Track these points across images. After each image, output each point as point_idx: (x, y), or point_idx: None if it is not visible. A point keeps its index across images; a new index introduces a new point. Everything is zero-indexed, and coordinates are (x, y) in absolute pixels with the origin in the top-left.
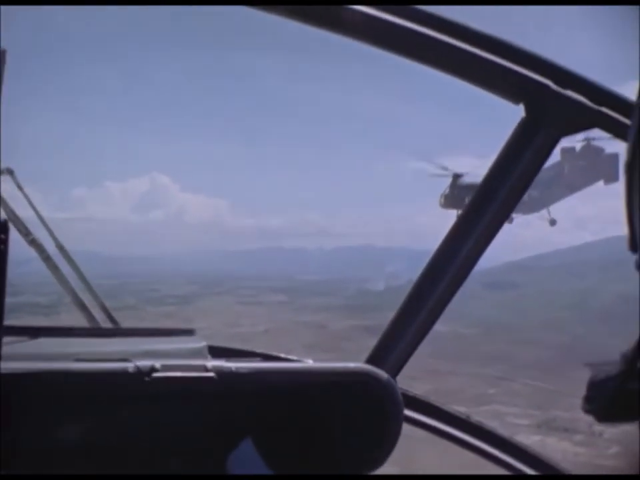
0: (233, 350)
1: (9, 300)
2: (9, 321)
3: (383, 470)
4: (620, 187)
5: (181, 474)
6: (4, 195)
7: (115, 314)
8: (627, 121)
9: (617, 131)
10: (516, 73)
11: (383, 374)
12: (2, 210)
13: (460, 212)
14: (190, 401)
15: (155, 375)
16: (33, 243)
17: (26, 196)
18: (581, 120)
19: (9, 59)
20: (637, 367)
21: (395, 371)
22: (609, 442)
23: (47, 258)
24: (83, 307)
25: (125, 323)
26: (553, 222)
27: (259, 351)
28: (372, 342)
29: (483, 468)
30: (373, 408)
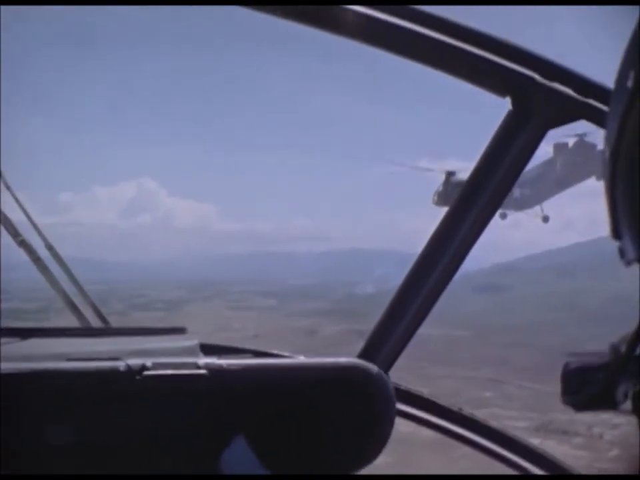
0: (224, 347)
1: None
2: None
3: (375, 464)
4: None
5: (173, 472)
6: None
7: None
8: None
9: (604, 121)
10: (502, 66)
11: (374, 368)
12: None
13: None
14: (182, 398)
15: (146, 373)
16: (23, 244)
17: (15, 197)
18: (568, 112)
19: None
20: (628, 358)
21: (387, 365)
22: (610, 444)
23: (36, 259)
24: (73, 308)
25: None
26: (545, 218)
27: (250, 348)
28: None
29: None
30: (365, 402)
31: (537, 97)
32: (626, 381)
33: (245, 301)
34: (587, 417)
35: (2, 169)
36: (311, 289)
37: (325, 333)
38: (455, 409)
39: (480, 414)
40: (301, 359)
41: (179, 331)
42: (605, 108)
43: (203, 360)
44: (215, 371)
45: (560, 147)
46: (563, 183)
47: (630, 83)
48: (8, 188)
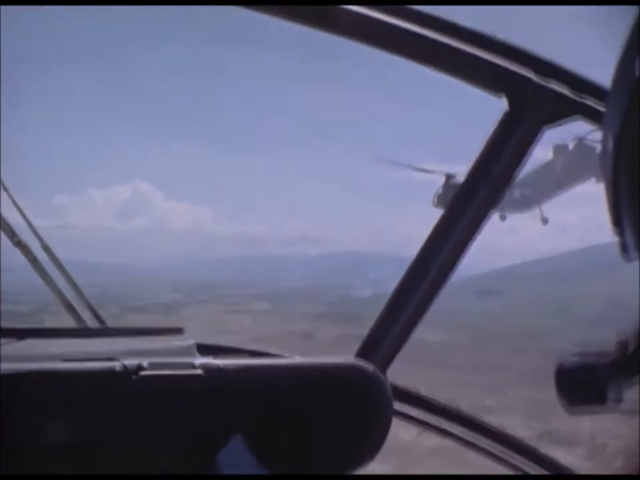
0: (221, 347)
1: None
2: None
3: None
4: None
5: (170, 472)
6: None
7: None
8: None
9: (600, 119)
10: (497, 65)
11: (372, 367)
12: None
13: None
14: (178, 398)
15: (142, 373)
16: (19, 244)
17: (12, 199)
18: (563, 110)
19: None
20: (620, 357)
21: (384, 365)
22: (614, 455)
23: (33, 260)
24: (70, 309)
25: None
26: (545, 220)
27: (246, 347)
28: None
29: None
30: (363, 402)
31: (533, 95)
32: (620, 380)
33: (241, 304)
34: (590, 426)
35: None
36: (307, 292)
37: (322, 337)
38: (453, 408)
39: None
40: (298, 359)
41: (176, 331)
42: (600, 105)
43: (199, 360)
44: (211, 371)
45: (560, 149)
46: (562, 185)
47: (637, 71)
48: (5, 189)
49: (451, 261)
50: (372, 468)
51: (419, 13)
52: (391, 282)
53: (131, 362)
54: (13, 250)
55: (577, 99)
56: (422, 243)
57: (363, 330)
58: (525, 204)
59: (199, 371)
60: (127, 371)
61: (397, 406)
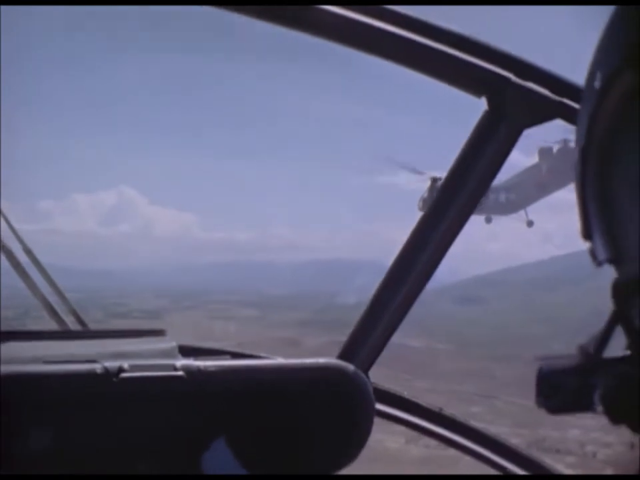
0: (203, 349)
1: None
2: None
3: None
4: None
5: (152, 474)
6: None
7: None
8: None
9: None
10: (477, 66)
11: (353, 369)
12: None
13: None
14: (159, 400)
15: (123, 375)
16: (3, 249)
17: None
18: (543, 111)
19: None
20: (599, 360)
21: (366, 366)
22: (604, 464)
23: (16, 264)
24: (53, 312)
25: None
26: (530, 223)
27: (229, 349)
28: None
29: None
30: (344, 402)
31: (513, 96)
32: (600, 382)
33: (226, 310)
34: (578, 434)
35: None
36: (292, 299)
37: (309, 344)
38: (435, 409)
39: None
40: (280, 361)
41: (158, 333)
42: (579, 107)
43: (181, 362)
44: (192, 373)
45: (545, 152)
46: (547, 188)
47: (597, 84)
48: None
49: (431, 263)
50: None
51: (400, 15)
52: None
53: (112, 364)
54: None
55: (557, 100)
56: (402, 245)
57: None
58: (510, 207)
59: (180, 373)
60: (108, 373)
61: (379, 406)
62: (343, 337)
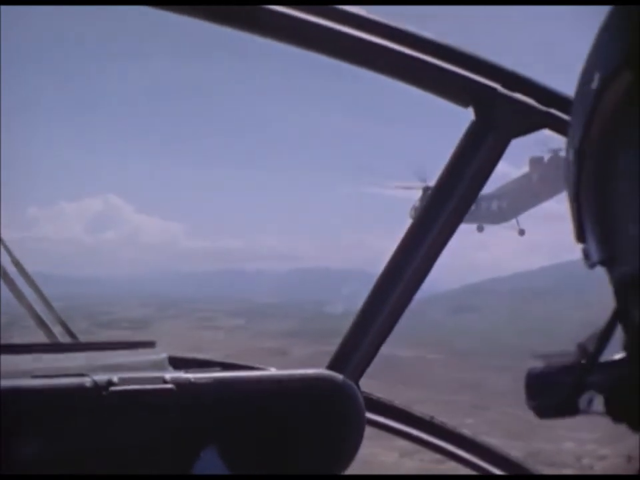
0: (194, 360)
1: None
2: None
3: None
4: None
5: None
6: None
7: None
8: None
9: (566, 130)
10: (464, 77)
11: (343, 379)
12: None
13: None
14: (149, 414)
15: (112, 388)
16: None
17: None
18: (530, 121)
19: None
20: (596, 360)
21: (357, 375)
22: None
23: (4, 274)
24: (41, 323)
25: None
26: (522, 232)
27: (219, 360)
28: None
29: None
30: (334, 413)
31: (500, 107)
32: (590, 386)
33: (213, 320)
34: (573, 447)
35: None
36: (280, 308)
37: (297, 355)
38: (426, 417)
39: None
40: (269, 371)
41: (148, 344)
42: (566, 117)
43: (170, 374)
44: (182, 385)
45: (535, 162)
46: (538, 196)
47: (595, 85)
48: None
49: (420, 272)
50: None
51: (385, 25)
52: (362, 298)
53: (101, 377)
54: None
55: (544, 110)
56: (391, 254)
57: None
58: (502, 215)
59: (170, 386)
60: (97, 386)
61: (370, 416)
62: (330, 347)
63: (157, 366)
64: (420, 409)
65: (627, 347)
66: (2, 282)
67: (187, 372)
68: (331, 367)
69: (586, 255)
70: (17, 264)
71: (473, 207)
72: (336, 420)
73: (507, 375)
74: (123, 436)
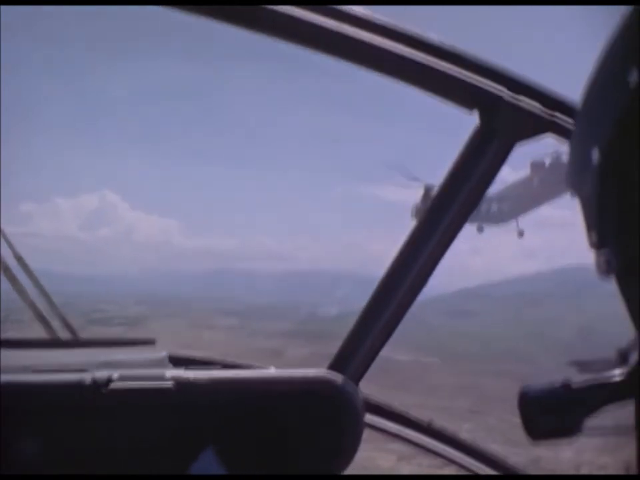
0: (194, 359)
1: None
2: None
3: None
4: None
5: None
6: None
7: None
8: None
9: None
10: (469, 80)
11: (344, 380)
12: None
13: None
14: (148, 411)
15: (112, 385)
16: None
17: None
18: (535, 126)
19: None
20: (586, 385)
21: (357, 377)
22: None
23: (5, 269)
24: (42, 319)
25: None
26: (521, 233)
27: (219, 359)
28: None
29: None
30: (334, 414)
31: (504, 111)
32: (583, 408)
33: (207, 319)
34: (572, 456)
35: None
36: (274, 309)
37: (292, 355)
38: (425, 421)
39: None
40: (270, 371)
41: (148, 342)
42: (571, 122)
43: (170, 372)
44: (182, 383)
45: (537, 165)
46: (538, 199)
47: (633, 79)
48: None
49: (422, 274)
50: None
51: (390, 27)
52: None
53: (101, 374)
54: None
55: (549, 115)
56: (393, 256)
57: (334, 349)
58: (502, 217)
59: (170, 383)
60: (96, 383)
61: (369, 418)
62: (326, 349)
63: (157, 364)
64: (417, 414)
65: None
66: (3, 276)
67: (186, 370)
68: (331, 367)
69: (602, 262)
70: (19, 259)
71: None
72: (335, 420)
73: (503, 380)
74: (122, 433)
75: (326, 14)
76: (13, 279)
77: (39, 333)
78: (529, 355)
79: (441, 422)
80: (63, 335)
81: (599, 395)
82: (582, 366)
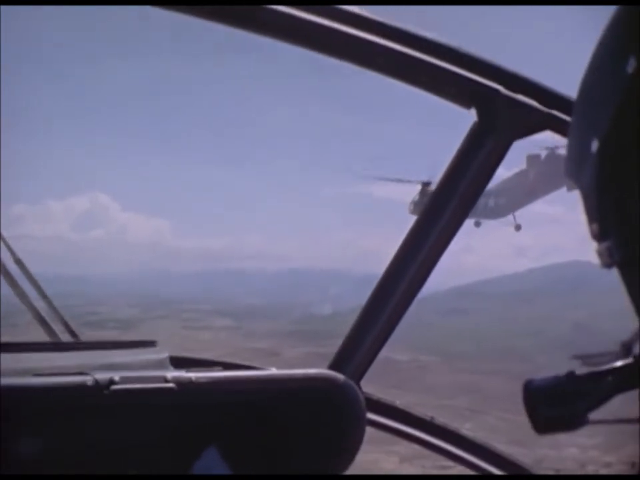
0: (195, 360)
1: None
2: None
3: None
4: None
5: None
6: None
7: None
8: None
9: (567, 131)
10: (466, 78)
11: (344, 379)
12: None
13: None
14: (150, 412)
15: (114, 387)
16: None
17: None
18: (532, 123)
19: None
20: (590, 376)
21: (358, 376)
22: None
23: (5, 273)
24: (42, 322)
25: None
26: (518, 227)
27: (220, 360)
28: None
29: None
30: (335, 413)
31: (502, 108)
32: (588, 399)
33: (201, 320)
34: (577, 453)
35: None
36: (267, 309)
37: (289, 355)
38: (427, 418)
39: None
40: (271, 371)
41: (149, 344)
42: (568, 118)
43: (172, 373)
44: (183, 385)
45: (532, 159)
46: (535, 193)
47: (631, 68)
48: None
49: (422, 272)
50: None
51: (388, 26)
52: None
53: (102, 376)
54: None
55: (546, 112)
56: (393, 254)
57: (329, 348)
58: (499, 211)
59: (171, 385)
60: (98, 385)
61: (371, 416)
62: (322, 349)
63: (158, 365)
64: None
65: None
66: (3, 279)
67: (188, 371)
68: (332, 366)
69: (604, 254)
70: (18, 262)
71: None
72: (337, 420)
73: (500, 378)
74: (124, 434)
75: (320, 13)
76: (12, 283)
77: (39, 336)
78: (525, 353)
79: (444, 421)
80: (64, 337)
81: (603, 386)
82: (585, 359)
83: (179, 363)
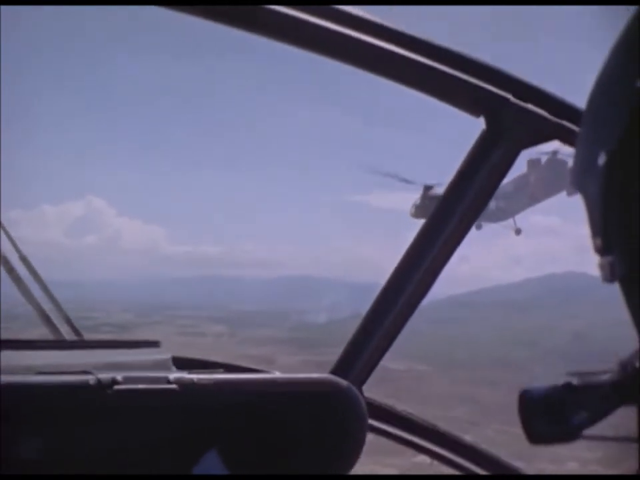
0: (198, 361)
1: None
2: None
3: None
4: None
5: None
6: None
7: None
8: None
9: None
10: (476, 86)
11: (346, 384)
12: None
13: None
14: (152, 413)
15: (116, 387)
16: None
17: None
18: (541, 132)
19: None
20: (629, 378)
21: (360, 381)
22: None
23: (10, 270)
24: (47, 320)
25: None
26: (518, 231)
27: (224, 362)
28: None
29: None
30: (337, 418)
31: (511, 117)
32: (585, 412)
33: (195, 326)
34: (577, 468)
35: None
36: (262, 316)
37: (283, 363)
38: (429, 425)
39: None
40: (273, 375)
41: (152, 344)
42: (578, 129)
43: (174, 374)
44: (185, 386)
45: (533, 163)
46: (535, 198)
47: (638, 81)
48: None
49: (426, 279)
50: None
51: (398, 32)
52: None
53: (105, 376)
54: None
55: (555, 121)
56: (397, 261)
57: (325, 357)
58: (500, 214)
59: (174, 386)
60: (101, 385)
61: (373, 422)
62: (317, 357)
63: (161, 366)
64: None
65: None
66: (5, 276)
67: (190, 373)
68: (334, 371)
69: (606, 268)
70: (23, 259)
71: None
72: (338, 425)
73: (498, 389)
74: (126, 435)
75: (332, 17)
76: (17, 280)
77: (41, 333)
78: (521, 363)
79: (445, 429)
80: (68, 336)
81: (600, 400)
82: (582, 376)
83: (181, 364)
